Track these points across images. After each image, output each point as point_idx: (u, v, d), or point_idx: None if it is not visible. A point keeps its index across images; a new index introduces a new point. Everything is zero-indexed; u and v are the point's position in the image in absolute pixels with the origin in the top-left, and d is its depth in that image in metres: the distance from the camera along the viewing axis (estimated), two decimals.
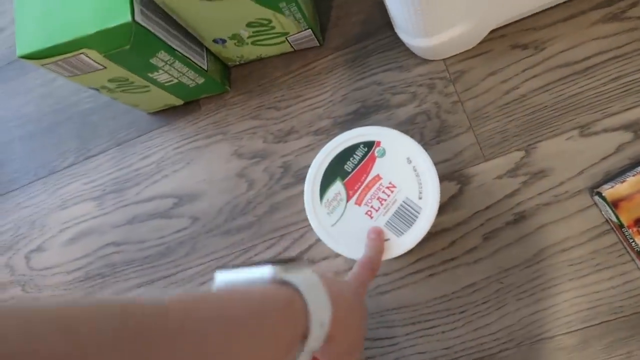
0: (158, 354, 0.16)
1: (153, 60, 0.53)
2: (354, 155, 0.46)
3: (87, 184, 0.69)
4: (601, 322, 0.51)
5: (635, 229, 0.48)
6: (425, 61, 0.60)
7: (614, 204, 0.49)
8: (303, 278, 0.27)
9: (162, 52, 0.52)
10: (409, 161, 0.44)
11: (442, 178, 0.57)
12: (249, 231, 0.62)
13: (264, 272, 0.26)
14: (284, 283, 0.26)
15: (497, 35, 0.58)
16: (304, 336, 0.25)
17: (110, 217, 0.67)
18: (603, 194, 0.50)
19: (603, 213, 0.52)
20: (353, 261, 0.57)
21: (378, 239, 0.42)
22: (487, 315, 0.54)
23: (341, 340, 0.30)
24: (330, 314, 0.27)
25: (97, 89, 0.58)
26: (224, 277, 0.26)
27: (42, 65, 0.50)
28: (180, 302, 0.19)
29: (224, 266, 0.27)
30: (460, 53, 0.59)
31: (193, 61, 0.57)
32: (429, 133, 0.58)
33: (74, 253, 0.68)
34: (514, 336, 0.53)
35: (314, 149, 0.61)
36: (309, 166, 0.47)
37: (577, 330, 0.51)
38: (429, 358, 0.55)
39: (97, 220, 0.68)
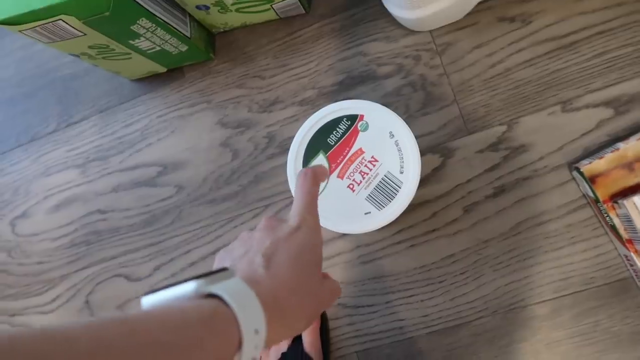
0: None
1: (134, 27, 0.51)
2: (337, 129, 0.46)
3: (70, 151, 0.69)
4: (573, 293, 0.53)
5: (610, 204, 0.50)
6: (411, 32, 0.59)
7: (591, 180, 0.50)
8: (227, 287, 0.25)
9: (143, 19, 0.51)
10: (392, 135, 0.45)
11: (426, 150, 0.58)
12: (234, 200, 0.62)
13: (187, 287, 0.25)
14: (209, 296, 0.25)
15: (484, 7, 0.57)
16: (239, 345, 0.24)
17: (95, 184, 0.67)
18: (581, 170, 0.51)
19: (580, 188, 0.54)
20: (334, 233, 0.58)
21: (304, 180, 0.36)
22: (464, 285, 0.56)
23: (290, 329, 0.29)
24: (263, 319, 0.25)
25: (77, 55, 0.56)
26: (148, 301, 0.25)
27: (20, 31, 0.49)
28: (90, 328, 0.18)
29: (151, 290, 0.26)
30: (447, 25, 0.58)
31: (175, 28, 0.56)
32: (414, 105, 0.58)
33: (59, 220, 0.68)
34: (489, 305, 0.55)
35: (298, 119, 0.61)
36: (293, 137, 0.47)
37: (549, 300, 0.54)
38: (408, 325, 0.57)
39: (81, 188, 0.67)
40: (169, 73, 0.66)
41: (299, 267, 0.30)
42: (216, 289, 0.25)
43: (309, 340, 0.56)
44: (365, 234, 0.58)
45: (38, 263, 0.68)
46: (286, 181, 0.61)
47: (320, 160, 0.46)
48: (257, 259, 0.29)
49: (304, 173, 0.36)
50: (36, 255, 0.68)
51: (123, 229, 0.65)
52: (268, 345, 0.27)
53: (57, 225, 0.68)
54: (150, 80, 0.67)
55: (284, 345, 0.56)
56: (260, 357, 0.57)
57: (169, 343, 0.20)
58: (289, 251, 0.30)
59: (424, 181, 0.57)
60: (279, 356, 0.55)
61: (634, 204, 0.46)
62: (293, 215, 0.34)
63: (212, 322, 0.23)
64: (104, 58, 0.57)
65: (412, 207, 0.57)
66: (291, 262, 0.30)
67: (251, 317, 0.24)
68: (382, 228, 0.55)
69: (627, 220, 0.47)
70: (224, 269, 0.28)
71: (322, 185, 0.46)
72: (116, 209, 0.66)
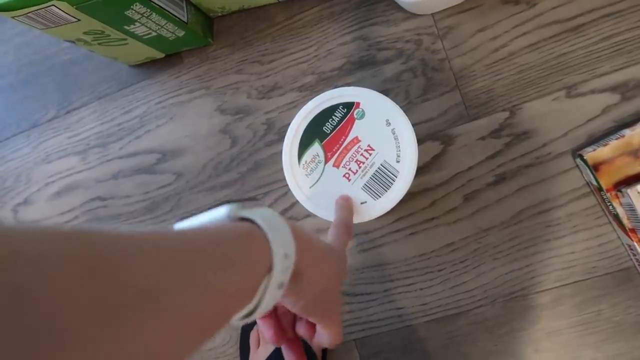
0: (125, 273, 0.16)
1: (128, 13, 0.51)
2: (333, 117, 0.45)
3: (71, 137, 0.68)
4: (574, 282, 0.52)
5: (613, 193, 0.49)
6: (413, 15, 0.58)
7: (595, 167, 0.49)
8: (260, 212, 0.26)
9: (137, 3, 0.50)
10: (388, 124, 0.44)
11: (426, 137, 0.57)
12: (232, 188, 0.62)
13: (220, 211, 0.25)
14: (242, 219, 0.26)
15: None
16: (269, 269, 0.24)
17: (95, 171, 0.67)
18: (584, 157, 0.49)
19: (584, 176, 0.52)
20: (331, 222, 0.58)
21: (346, 202, 0.43)
22: (464, 274, 0.55)
23: (311, 279, 0.29)
24: (293, 245, 0.26)
25: (73, 42, 0.56)
26: (182, 226, 0.26)
27: (13, 17, 0.48)
28: (137, 233, 0.19)
29: (183, 218, 0.26)
30: (450, 7, 0.57)
31: (172, 13, 0.55)
32: (414, 91, 0.57)
33: (60, 206, 0.68)
34: (489, 294, 0.54)
35: (297, 105, 0.60)
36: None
37: (550, 289, 0.53)
38: (407, 313, 0.56)
39: (81, 175, 0.68)
40: (167, 59, 0.65)
41: (328, 252, 0.33)
42: (248, 213, 0.26)
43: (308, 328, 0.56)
44: (364, 223, 0.57)
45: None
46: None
47: (316, 149, 0.45)
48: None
49: (345, 199, 0.43)
50: None
51: (124, 216, 0.66)
52: (290, 293, 0.28)
53: (59, 211, 0.68)
54: (149, 66, 0.66)
55: None
56: (259, 340, 0.57)
57: (208, 254, 0.21)
58: (319, 247, 0.32)
59: (423, 169, 0.57)
60: None
61: (638, 192, 0.45)
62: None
63: (248, 240, 0.24)
64: (100, 44, 0.57)
65: (412, 195, 0.56)
66: (317, 242, 0.32)
67: (282, 241, 0.25)
68: (381, 216, 0.55)
69: (631, 209, 0.46)
70: (255, 199, 0.29)
71: (318, 173, 0.45)
72: (116, 196, 0.66)
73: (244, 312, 0.25)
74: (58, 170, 0.69)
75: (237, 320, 0.25)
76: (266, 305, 0.25)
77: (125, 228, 0.19)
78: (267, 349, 0.56)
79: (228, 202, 0.26)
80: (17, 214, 0.70)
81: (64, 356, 0.13)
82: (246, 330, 0.60)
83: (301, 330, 0.35)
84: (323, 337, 0.34)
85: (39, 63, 0.71)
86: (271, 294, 0.25)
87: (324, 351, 0.57)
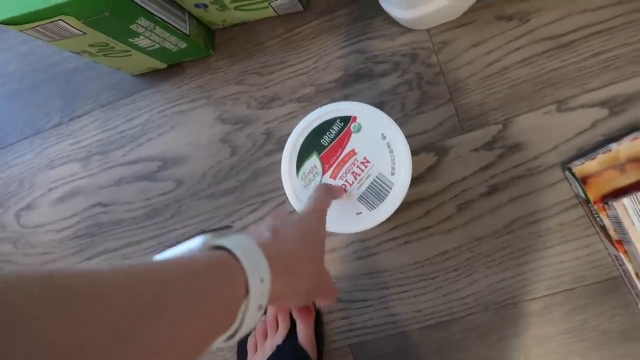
0: (84, 312, 0.16)
1: (133, 27, 0.52)
2: (330, 130, 0.46)
3: (73, 144, 0.70)
4: (564, 290, 0.54)
5: (600, 205, 0.50)
6: (409, 30, 0.59)
7: (583, 180, 0.51)
8: (233, 239, 0.27)
9: (142, 18, 0.52)
10: (384, 137, 0.45)
11: (421, 149, 0.58)
12: (232, 196, 0.63)
13: (195, 242, 0.26)
14: (216, 248, 0.27)
15: (482, 5, 0.57)
16: (246, 292, 0.25)
17: (96, 178, 0.68)
18: (573, 170, 0.51)
19: (573, 188, 0.54)
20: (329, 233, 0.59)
21: (319, 188, 0.43)
22: (457, 282, 0.57)
23: (295, 290, 0.30)
24: (267, 270, 0.27)
25: (78, 53, 0.57)
26: (160, 257, 0.27)
27: (21, 30, 0.50)
28: (111, 268, 0.19)
29: (161, 250, 0.28)
30: (445, 23, 0.58)
31: (174, 26, 0.56)
32: (410, 104, 0.59)
33: (63, 212, 0.70)
34: (481, 301, 0.56)
35: (296, 116, 0.62)
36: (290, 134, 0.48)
37: (540, 297, 0.54)
38: (401, 319, 0.58)
39: (83, 181, 0.69)
40: (169, 69, 0.67)
41: (304, 241, 0.33)
42: (222, 241, 0.27)
43: (304, 334, 0.57)
44: (359, 233, 0.59)
45: (43, 254, 0.69)
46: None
47: (314, 161, 0.46)
48: (265, 232, 0.32)
49: (318, 187, 0.42)
50: (41, 246, 0.70)
51: (125, 222, 0.67)
52: (274, 301, 0.29)
53: (61, 217, 0.69)
54: (151, 76, 0.68)
55: (279, 338, 0.57)
56: (256, 345, 0.58)
57: (178, 285, 0.21)
58: (294, 229, 0.33)
59: (418, 179, 0.58)
60: (274, 349, 0.56)
61: (624, 206, 0.47)
62: (302, 210, 0.39)
63: (220, 269, 0.24)
64: (104, 55, 0.58)
65: (407, 205, 0.58)
66: (297, 235, 0.33)
67: (256, 266, 0.26)
68: (376, 225, 0.56)
69: (617, 222, 0.48)
70: (229, 227, 0.30)
71: (316, 185, 0.46)
72: (118, 202, 0.67)
73: (226, 335, 0.25)
74: (61, 176, 0.70)
75: (220, 343, 0.26)
76: (247, 327, 0.26)
77: (100, 264, 0.20)
78: (265, 354, 0.57)
79: (203, 232, 0.27)
80: (20, 219, 0.71)
81: None
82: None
83: (294, 313, 0.37)
84: (319, 302, 0.37)
85: (43, 71, 0.72)
86: (251, 316, 0.26)
87: (320, 356, 0.58)
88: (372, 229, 0.56)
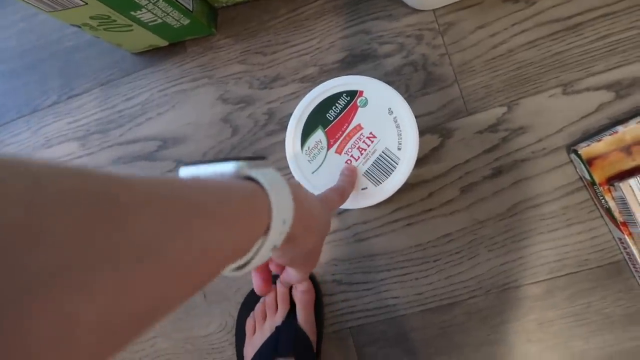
0: (115, 222, 0.15)
1: None
2: (337, 104, 0.46)
3: (71, 123, 0.69)
4: (567, 274, 0.54)
5: (606, 187, 0.50)
6: (414, 11, 0.59)
7: (589, 162, 0.50)
8: (267, 175, 0.26)
9: None
10: (391, 112, 0.45)
11: (425, 130, 0.58)
12: None
13: (228, 167, 0.26)
14: (248, 178, 0.26)
15: None
16: (266, 231, 0.25)
17: (95, 157, 0.67)
18: (579, 152, 0.51)
19: (578, 170, 0.54)
20: None
21: (351, 175, 0.44)
22: (459, 265, 0.56)
23: (301, 243, 0.30)
24: (292, 213, 0.27)
25: (79, 27, 0.56)
26: (187, 172, 0.26)
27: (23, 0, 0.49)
28: (145, 180, 0.18)
29: (190, 162, 0.27)
30: (451, 4, 0.58)
31: (178, 1, 0.56)
32: (414, 85, 0.58)
33: None
34: (483, 284, 0.55)
35: (299, 96, 0.61)
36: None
37: (542, 280, 0.54)
38: (402, 302, 0.57)
39: (81, 160, 0.68)
40: (171, 47, 0.66)
41: (321, 205, 0.34)
42: (256, 173, 0.26)
43: (303, 316, 0.56)
44: (362, 211, 0.58)
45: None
46: (284, 158, 0.61)
47: (319, 135, 0.46)
48: (293, 181, 0.32)
49: (351, 171, 0.45)
50: None
51: None
52: (279, 251, 0.29)
53: None
54: (152, 54, 0.67)
55: (278, 319, 0.56)
56: (255, 326, 0.58)
57: (211, 210, 0.21)
58: (313, 212, 0.33)
59: (421, 161, 0.58)
60: (273, 330, 0.55)
61: (630, 186, 0.46)
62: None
63: (251, 202, 0.24)
64: (105, 29, 0.57)
65: (410, 187, 0.57)
66: (315, 198, 0.34)
67: (282, 207, 0.26)
68: (379, 206, 0.56)
69: (623, 202, 0.48)
70: (263, 157, 0.29)
71: (321, 159, 0.46)
72: None
73: (234, 265, 0.25)
74: (58, 156, 0.69)
75: (227, 272, 0.26)
76: (256, 263, 0.26)
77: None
78: (263, 335, 0.56)
79: (237, 158, 0.26)
80: None
81: (58, 294, 0.13)
82: (242, 317, 0.60)
83: (272, 267, 0.37)
84: (291, 276, 0.37)
85: (42, 49, 0.71)
86: (263, 254, 0.25)
87: (319, 338, 0.57)
88: (375, 209, 0.56)
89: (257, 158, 0.28)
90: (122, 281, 0.15)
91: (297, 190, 0.29)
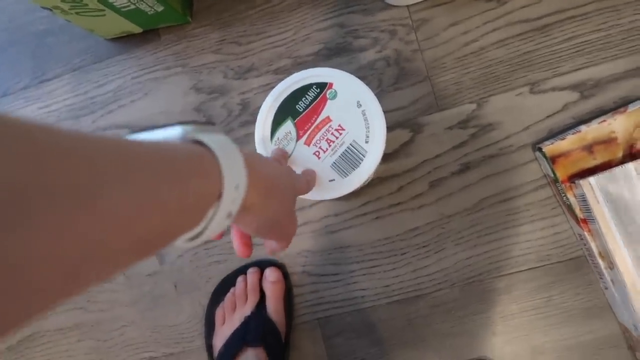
0: (48, 162, 0.15)
1: None
2: (306, 96, 0.46)
3: (42, 108, 0.68)
4: (529, 269, 0.55)
5: (568, 184, 0.51)
6: (389, 6, 0.59)
7: (552, 160, 0.52)
8: (216, 139, 0.25)
9: None
10: (359, 105, 0.45)
11: (396, 125, 0.58)
12: None
13: (174, 131, 0.24)
14: (196, 142, 0.25)
15: None
16: (219, 196, 0.24)
17: None
18: (543, 150, 0.52)
19: (542, 168, 0.55)
20: (302, 202, 0.59)
21: (312, 177, 0.44)
22: (426, 258, 0.57)
23: (260, 211, 0.30)
24: (245, 177, 0.26)
25: (50, 9, 0.55)
26: (134, 137, 0.24)
27: None
28: (75, 131, 0.17)
29: (134, 131, 0.25)
30: (425, 0, 0.59)
31: None
32: (387, 79, 0.59)
33: None
34: (448, 277, 0.57)
35: (272, 87, 0.61)
36: None
37: (506, 274, 0.55)
38: (370, 294, 0.58)
39: None
40: (145, 34, 0.65)
41: (281, 175, 0.33)
42: (203, 137, 0.25)
43: (273, 306, 0.57)
44: (333, 204, 0.59)
45: None
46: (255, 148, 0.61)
47: (288, 126, 0.46)
48: (247, 150, 0.30)
49: (311, 174, 0.44)
50: None
51: None
52: (241, 214, 0.27)
53: None
54: (126, 41, 0.66)
55: (247, 310, 0.57)
56: (225, 316, 0.58)
57: (155, 165, 0.20)
58: (273, 164, 0.33)
59: (392, 156, 0.58)
60: (243, 320, 0.56)
61: (590, 184, 0.48)
62: None
63: (198, 162, 0.23)
64: (77, 13, 0.56)
65: (379, 180, 0.58)
66: (275, 167, 0.33)
67: (234, 172, 0.25)
68: (350, 198, 0.56)
69: (583, 200, 0.49)
70: (212, 123, 0.28)
71: (290, 151, 0.46)
72: None
73: (189, 235, 0.24)
74: None
75: (183, 242, 0.25)
76: (212, 231, 0.25)
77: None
78: (233, 325, 0.56)
79: (185, 122, 0.25)
80: None
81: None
82: (212, 307, 0.60)
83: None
84: (272, 245, 0.36)
85: (13, 31, 0.70)
86: (218, 222, 0.24)
87: (288, 328, 0.58)
88: (345, 202, 0.57)
89: (206, 123, 0.27)
90: (57, 222, 0.14)
91: (251, 156, 0.28)
